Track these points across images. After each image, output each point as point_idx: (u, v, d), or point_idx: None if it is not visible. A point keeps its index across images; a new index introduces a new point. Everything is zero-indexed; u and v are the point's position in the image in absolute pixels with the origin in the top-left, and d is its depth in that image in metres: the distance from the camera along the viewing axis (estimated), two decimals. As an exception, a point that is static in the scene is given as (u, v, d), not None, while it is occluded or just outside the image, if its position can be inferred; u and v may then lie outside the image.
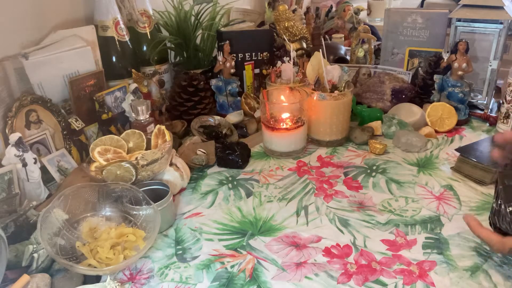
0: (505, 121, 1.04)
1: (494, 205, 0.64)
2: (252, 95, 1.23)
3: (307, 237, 0.73)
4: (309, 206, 0.82)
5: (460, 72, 1.07)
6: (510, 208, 0.59)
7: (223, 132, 1.06)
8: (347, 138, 1.06)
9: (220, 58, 1.13)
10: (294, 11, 1.50)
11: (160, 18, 1.21)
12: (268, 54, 1.24)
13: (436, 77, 1.11)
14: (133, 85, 0.99)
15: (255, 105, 1.21)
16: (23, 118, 0.84)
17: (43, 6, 0.95)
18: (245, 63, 1.23)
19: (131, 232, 0.70)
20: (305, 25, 1.48)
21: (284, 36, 1.29)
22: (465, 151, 0.90)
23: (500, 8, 1.08)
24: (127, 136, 0.87)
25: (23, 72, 0.85)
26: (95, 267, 0.64)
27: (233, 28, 1.32)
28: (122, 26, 1.04)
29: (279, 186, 0.89)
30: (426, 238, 0.72)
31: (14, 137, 0.76)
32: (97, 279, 0.66)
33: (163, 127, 0.87)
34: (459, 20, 1.14)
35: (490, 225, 0.65)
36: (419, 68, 1.23)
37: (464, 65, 1.06)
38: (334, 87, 1.02)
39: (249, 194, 0.86)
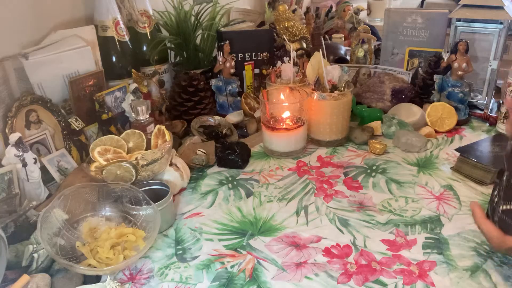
0: (505, 121, 1.04)
1: (495, 193, 0.63)
2: (252, 95, 1.23)
3: (307, 237, 0.73)
4: (309, 206, 0.82)
5: (460, 72, 1.07)
6: (505, 207, 0.58)
7: (223, 132, 1.06)
8: (347, 138, 1.06)
9: (220, 58, 1.13)
10: (294, 11, 1.51)
11: (160, 18, 1.21)
12: (268, 54, 1.24)
13: (436, 77, 1.11)
14: (133, 85, 0.99)
15: (255, 105, 1.21)
16: (23, 118, 0.84)
17: (43, 6, 0.95)
18: (245, 63, 1.23)
19: (131, 232, 0.70)
20: (305, 25, 1.48)
21: (284, 36, 1.29)
22: (465, 151, 0.90)
23: (500, 8, 1.08)
24: (127, 136, 0.87)
25: (23, 72, 0.85)
26: (95, 267, 0.64)
27: (233, 28, 1.32)
28: (122, 26, 1.04)
29: (279, 186, 0.89)
30: (426, 238, 0.72)
31: (14, 137, 0.76)
32: (97, 279, 0.66)
33: (163, 127, 0.87)
34: (459, 20, 1.14)
35: (487, 215, 0.64)
36: (419, 68, 1.23)
37: (464, 65, 1.06)
38: (334, 87, 1.02)
39: (249, 194, 0.86)
